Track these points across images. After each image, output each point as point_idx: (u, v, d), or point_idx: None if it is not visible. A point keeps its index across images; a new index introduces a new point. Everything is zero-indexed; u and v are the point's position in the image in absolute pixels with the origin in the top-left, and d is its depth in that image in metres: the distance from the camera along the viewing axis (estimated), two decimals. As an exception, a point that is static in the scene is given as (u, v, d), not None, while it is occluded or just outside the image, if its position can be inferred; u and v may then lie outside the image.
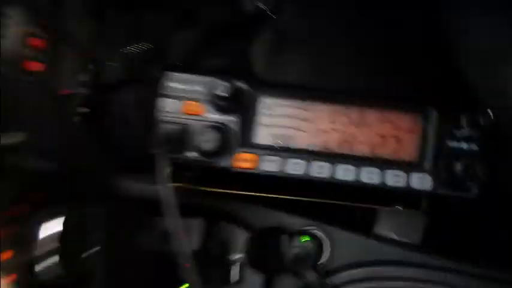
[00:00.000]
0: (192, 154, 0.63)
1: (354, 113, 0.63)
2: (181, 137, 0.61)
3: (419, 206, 0.71)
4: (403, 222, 0.72)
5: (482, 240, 0.77)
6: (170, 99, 0.63)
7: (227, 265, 0.74)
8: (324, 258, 0.70)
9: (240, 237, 0.72)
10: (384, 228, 0.73)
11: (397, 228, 0.73)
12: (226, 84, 0.56)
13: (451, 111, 0.62)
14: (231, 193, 0.73)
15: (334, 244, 0.70)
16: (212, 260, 0.71)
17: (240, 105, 0.63)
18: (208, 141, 0.59)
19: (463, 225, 0.80)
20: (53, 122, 0.55)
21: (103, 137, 0.65)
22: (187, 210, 0.76)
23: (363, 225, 0.75)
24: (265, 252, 0.71)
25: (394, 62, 0.72)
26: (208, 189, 0.72)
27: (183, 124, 0.62)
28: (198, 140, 0.59)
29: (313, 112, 0.63)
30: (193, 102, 0.63)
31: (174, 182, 0.66)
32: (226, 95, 0.56)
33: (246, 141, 0.63)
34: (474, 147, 0.61)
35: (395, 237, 0.73)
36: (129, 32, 0.72)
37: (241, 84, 0.62)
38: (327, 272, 0.70)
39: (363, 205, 0.74)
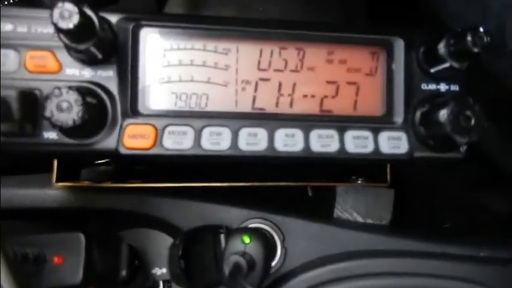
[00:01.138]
0: (50, 135, 0.39)
1: (291, 52, 0.44)
2: (24, 109, 0.37)
3: (385, 178, 0.55)
4: (367, 199, 0.56)
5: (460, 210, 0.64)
6: (2, 50, 0.39)
7: (144, 286, 0.53)
8: (276, 261, 0.51)
9: (161, 245, 0.54)
10: (346, 209, 0.57)
11: (361, 208, 0.56)
12: (71, 7, 0.33)
13: (423, 38, 0.44)
14: (137, 187, 0.51)
15: (288, 239, 0.52)
16: (120, 280, 0.49)
17: (114, 50, 0.40)
18: (67, 110, 0.36)
19: (438, 195, 0.66)
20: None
21: None
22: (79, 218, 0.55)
23: (319, 209, 0.58)
24: (196, 264, 0.51)
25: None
26: (107, 186, 0.50)
27: (28, 89, 0.38)
28: (50, 110, 0.36)
29: (233, 55, 0.42)
30: (40, 53, 0.39)
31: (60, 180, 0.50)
32: (71, 25, 0.33)
33: (133, 107, 0.41)
34: (457, 87, 0.44)
35: (359, 219, 0.57)
36: None
37: (107, 15, 0.39)
38: (283, 278, 0.51)
39: (315, 184, 0.56)
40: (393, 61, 0.45)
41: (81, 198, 0.53)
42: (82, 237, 0.41)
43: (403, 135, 0.44)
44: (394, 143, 0.43)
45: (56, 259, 0.40)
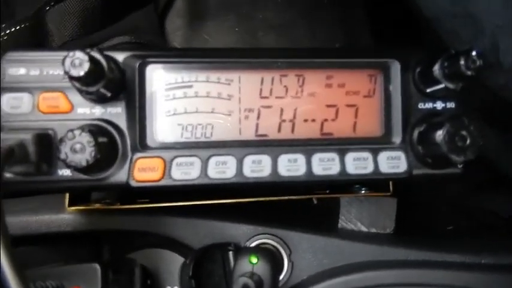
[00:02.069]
0: (64, 172, 0.41)
1: (291, 79, 0.45)
2: (39, 150, 0.39)
3: (388, 188, 0.57)
4: (371, 209, 0.58)
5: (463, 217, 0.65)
6: (15, 94, 0.41)
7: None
8: (283, 275, 0.53)
9: (172, 264, 0.56)
10: (350, 219, 0.58)
11: (365, 217, 0.58)
12: (81, 55, 0.35)
13: (418, 60, 0.45)
14: (147, 207, 0.53)
15: (294, 253, 0.54)
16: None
17: (122, 88, 0.42)
18: (81, 151, 0.38)
19: (439, 203, 0.68)
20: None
21: None
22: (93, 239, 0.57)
23: (324, 219, 0.60)
24: (207, 282, 0.53)
25: (338, 8, 0.56)
26: (118, 208, 0.52)
27: (41, 130, 0.40)
28: (65, 152, 0.38)
29: (235, 85, 0.44)
30: (52, 94, 0.41)
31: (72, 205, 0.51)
32: (82, 73, 0.35)
33: (142, 141, 0.43)
34: (454, 105, 0.46)
35: (364, 228, 0.59)
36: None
37: (114, 54, 0.41)
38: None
39: (319, 196, 0.58)
40: (390, 82, 0.46)
41: (94, 221, 0.55)
42: (98, 267, 0.44)
43: (401, 155, 0.45)
44: (393, 162, 0.45)
45: (75, 289, 0.42)
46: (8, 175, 0.39)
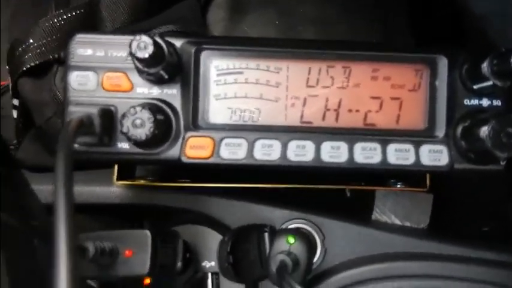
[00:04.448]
0: (123, 145, 0.45)
1: (338, 70, 0.47)
2: (103, 124, 0.43)
3: (425, 183, 0.57)
4: (406, 203, 0.59)
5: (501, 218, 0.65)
6: (82, 72, 0.45)
7: (194, 277, 0.59)
8: (316, 258, 0.55)
9: (210, 241, 0.59)
10: (384, 212, 0.59)
11: (400, 211, 0.59)
12: (147, 39, 0.38)
13: (466, 57, 0.46)
14: (188, 186, 0.57)
15: (328, 239, 0.56)
16: (176, 271, 0.55)
17: (178, 71, 0.45)
18: (141, 126, 0.41)
19: (477, 201, 0.67)
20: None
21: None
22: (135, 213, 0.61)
23: (358, 210, 0.61)
24: (243, 259, 0.56)
25: (380, 5, 0.57)
26: (162, 185, 0.56)
27: (104, 105, 0.44)
28: (127, 126, 0.41)
29: (283, 74, 0.46)
30: (115, 74, 0.44)
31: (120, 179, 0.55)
32: (147, 55, 0.38)
33: (194, 121, 0.46)
34: (500, 103, 0.46)
35: (398, 221, 0.59)
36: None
37: (172, 40, 0.44)
38: (322, 275, 0.55)
39: (355, 187, 0.60)
40: (436, 78, 0.47)
41: (139, 195, 0.59)
42: (149, 234, 0.47)
43: (444, 148, 0.46)
44: (435, 155, 0.46)
45: (127, 252, 0.46)
46: (75, 145, 0.42)
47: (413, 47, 0.47)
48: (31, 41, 0.55)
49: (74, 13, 0.57)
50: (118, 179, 0.57)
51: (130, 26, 0.57)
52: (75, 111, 0.42)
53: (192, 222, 0.61)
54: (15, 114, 0.59)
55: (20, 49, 0.55)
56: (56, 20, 0.56)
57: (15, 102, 0.59)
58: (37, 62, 0.55)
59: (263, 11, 0.63)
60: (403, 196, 0.59)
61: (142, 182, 0.59)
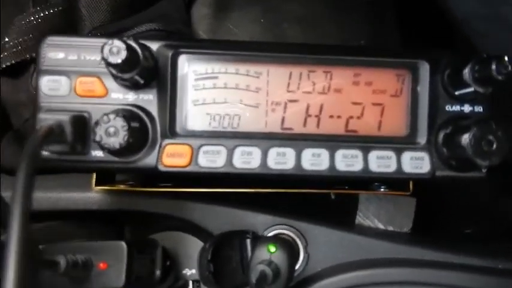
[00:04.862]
0: (97, 153, 0.43)
1: (319, 75, 0.46)
2: (75, 131, 0.41)
3: (407, 188, 0.57)
4: (389, 207, 0.59)
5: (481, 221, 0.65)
6: (54, 77, 0.43)
7: (175, 285, 0.58)
8: (299, 265, 0.55)
9: (191, 247, 0.58)
10: (367, 216, 0.59)
11: (383, 215, 0.59)
12: (119, 43, 0.36)
13: (448, 62, 0.45)
14: (169, 191, 0.55)
15: (311, 245, 0.55)
16: (154, 281, 0.53)
17: (154, 76, 0.43)
18: (114, 134, 0.40)
19: (460, 203, 0.68)
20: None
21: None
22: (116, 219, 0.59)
23: (342, 214, 0.60)
24: (224, 266, 0.55)
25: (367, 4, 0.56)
26: (142, 190, 0.55)
27: (77, 112, 0.42)
28: (100, 135, 0.40)
29: (263, 78, 0.45)
30: (89, 78, 0.43)
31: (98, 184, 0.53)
32: (119, 60, 0.36)
33: (172, 128, 0.44)
34: (482, 109, 0.46)
35: (381, 226, 0.59)
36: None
37: (148, 42, 0.43)
38: (305, 281, 0.54)
39: (338, 191, 0.59)
40: (418, 83, 0.46)
41: (119, 201, 0.57)
42: (124, 245, 0.45)
43: (425, 156, 0.45)
44: (416, 163, 0.45)
45: (101, 265, 0.44)
46: (45, 153, 0.41)
47: (395, 51, 0.47)
48: (7, 39, 0.53)
49: (51, 10, 0.55)
50: (97, 184, 0.56)
51: (109, 25, 0.55)
52: (45, 118, 0.40)
53: (173, 228, 0.60)
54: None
55: (-4, 48, 0.53)
56: (32, 18, 0.54)
57: (-8, 103, 0.57)
58: (13, 62, 0.53)
59: (249, 8, 0.62)
60: (387, 200, 0.59)
61: (122, 187, 0.57)
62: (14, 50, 0.53)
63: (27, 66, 0.54)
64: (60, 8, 0.55)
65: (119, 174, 0.61)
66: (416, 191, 0.58)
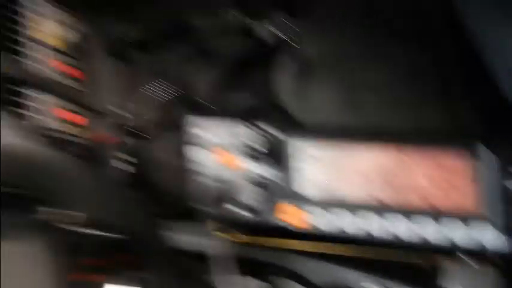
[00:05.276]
0: (232, 208, 0.59)
1: (394, 154, 0.57)
2: (221, 192, 0.58)
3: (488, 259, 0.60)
4: (473, 276, 0.61)
5: None
6: (200, 148, 0.61)
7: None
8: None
9: None
10: (450, 283, 0.63)
11: (466, 284, 0.62)
12: (260, 135, 0.53)
13: (504, 144, 0.52)
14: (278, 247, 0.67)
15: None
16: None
17: (276, 154, 0.59)
18: (250, 197, 0.55)
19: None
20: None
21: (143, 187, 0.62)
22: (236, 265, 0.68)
23: (425, 279, 0.64)
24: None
25: (431, 89, 0.64)
26: (256, 242, 0.67)
27: (220, 176, 0.59)
28: (238, 195, 0.56)
29: (356, 157, 0.58)
30: (224, 152, 0.60)
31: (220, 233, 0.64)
32: (265, 150, 0.53)
33: (288, 192, 0.59)
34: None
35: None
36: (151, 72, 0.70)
37: (274, 132, 0.58)
38: None
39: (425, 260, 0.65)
40: (482, 162, 0.53)
41: (235, 248, 0.65)
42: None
43: (496, 232, 0.52)
44: (486, 238, 0.53)
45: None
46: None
47: (459, 134, 0.57)
48: None
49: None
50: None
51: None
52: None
53: (279, 275, 0.68)
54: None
55: None
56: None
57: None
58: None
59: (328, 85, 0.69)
60: (470, 269, 0.60)
61: (237, 236, 0.66)
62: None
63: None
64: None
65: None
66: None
